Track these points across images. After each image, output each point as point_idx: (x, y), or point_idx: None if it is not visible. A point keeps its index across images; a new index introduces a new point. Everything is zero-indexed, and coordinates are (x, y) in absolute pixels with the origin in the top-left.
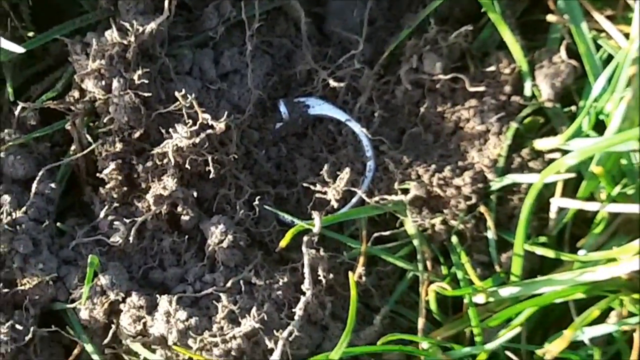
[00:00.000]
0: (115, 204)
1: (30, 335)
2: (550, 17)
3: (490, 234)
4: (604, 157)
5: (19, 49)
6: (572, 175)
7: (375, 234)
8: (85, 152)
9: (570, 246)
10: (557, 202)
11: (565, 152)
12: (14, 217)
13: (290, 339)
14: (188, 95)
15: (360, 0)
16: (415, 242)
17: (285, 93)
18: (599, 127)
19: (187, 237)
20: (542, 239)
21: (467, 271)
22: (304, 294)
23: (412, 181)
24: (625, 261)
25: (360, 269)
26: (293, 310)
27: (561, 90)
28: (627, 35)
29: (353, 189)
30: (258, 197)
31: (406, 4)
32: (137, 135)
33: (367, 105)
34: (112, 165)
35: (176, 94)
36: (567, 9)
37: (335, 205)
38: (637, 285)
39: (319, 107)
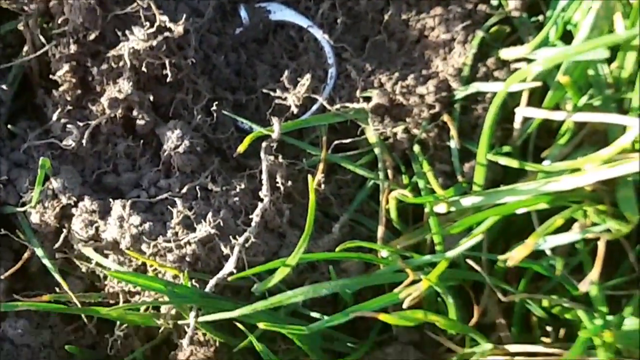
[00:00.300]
0: (69, 107)
1: None
2: None
3: (453, 143)
4: (571, 66)
5: None
6: (538, 83)
7: (336, 142)
8: (39, 53)
9: (534, 158)
10: (522, 111)
11: (531, 62)
12: None
13: (246, 245)
14: None
15: None
16: (377, 151)
17: None
18: (567, 37)
19: (142, 141)
20: (506, 148)
21: (428, 180)
22: (261, 200)
23: (374, 89)
24: (590, 171)
25: (319, 176)
26: (250, 217)
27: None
28: None
29: (314, 95)
30: (216, 102)
31: None
32: (92, 37)
33: (330, 12)
34: (66, 67)
35: None
36: None
37: (295, 111)
38: (601, 196)
39: (281, 13)
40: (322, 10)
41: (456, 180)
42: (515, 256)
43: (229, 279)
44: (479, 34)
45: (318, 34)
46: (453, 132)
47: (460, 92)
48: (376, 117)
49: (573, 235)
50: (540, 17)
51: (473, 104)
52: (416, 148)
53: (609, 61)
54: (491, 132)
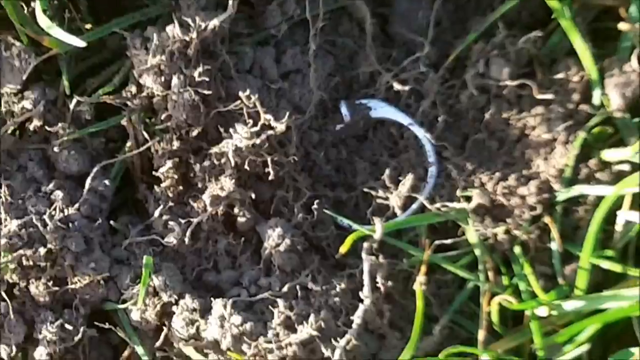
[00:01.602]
0: (170, 204)
1: (79, 335)
2: (622, 25)
3: (555, 246)
4: None
5: (79, 42)
6: None
7: (436, 242)
8: (142, 149)
9: (635, 261)
10: (624, 215)
11: (634, 164)
12: (66, 213)
13: (347, 347)
14: (252, 96)
15: (427, 1)
16: (477, 252)
17: (347, 94)
18: None
19: (243, 239)
20: (608, 252)
21: (529, 283)
22: (361, 301)
23: (475, 189)
24: None
25: (421, 277)
26: (350, 317)
27: (631, 101)
28: None
29: (414, 194)
30: (316, 200)
31: (473, 6)
32: (194, 133)
33: (431, 110)
34: (169, 164)
35: (240, 94)
36: None
37: (398, 211)
38: None
39: (381, 110)
40: (423, 108)
41: (556, 283)
42: None
43: None
44: (581, 134)
45: (419, 132)
46: (555, 234)
47: (563, 194)
48: (477, 218)
49: None
50: None
51: (575, 205)
52: (517, 249)
53: None
54: (596, 236)
